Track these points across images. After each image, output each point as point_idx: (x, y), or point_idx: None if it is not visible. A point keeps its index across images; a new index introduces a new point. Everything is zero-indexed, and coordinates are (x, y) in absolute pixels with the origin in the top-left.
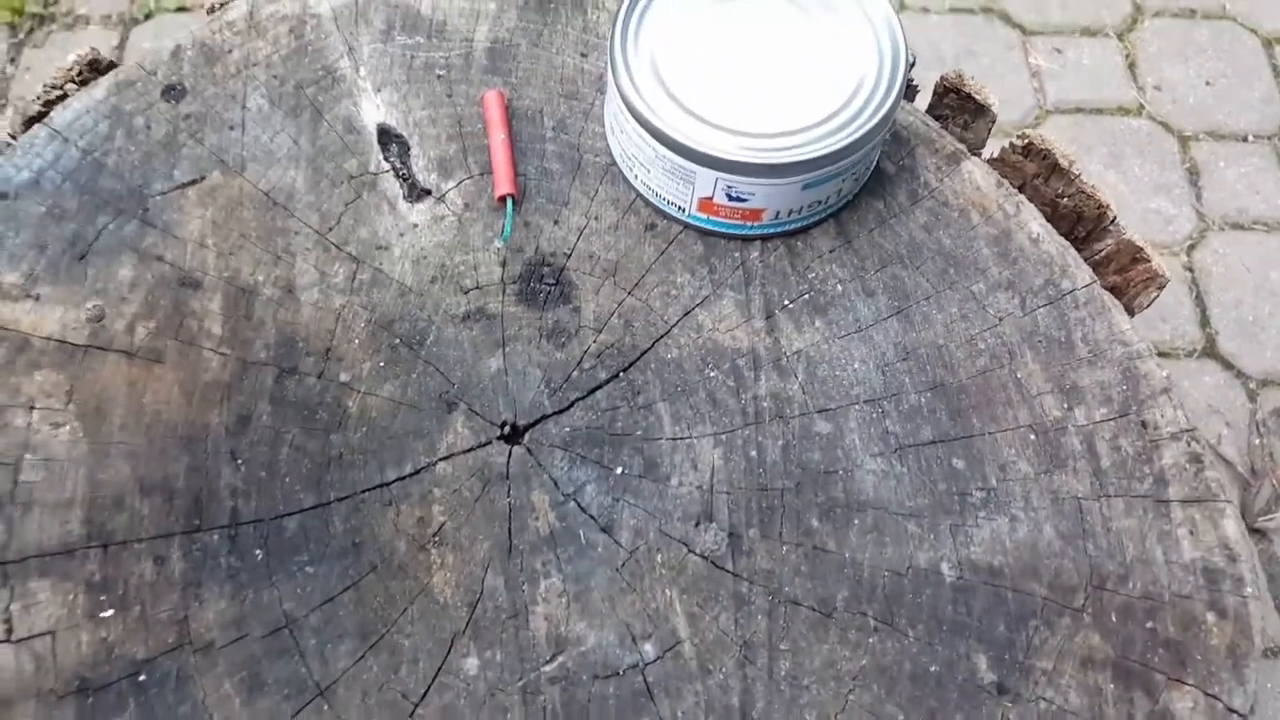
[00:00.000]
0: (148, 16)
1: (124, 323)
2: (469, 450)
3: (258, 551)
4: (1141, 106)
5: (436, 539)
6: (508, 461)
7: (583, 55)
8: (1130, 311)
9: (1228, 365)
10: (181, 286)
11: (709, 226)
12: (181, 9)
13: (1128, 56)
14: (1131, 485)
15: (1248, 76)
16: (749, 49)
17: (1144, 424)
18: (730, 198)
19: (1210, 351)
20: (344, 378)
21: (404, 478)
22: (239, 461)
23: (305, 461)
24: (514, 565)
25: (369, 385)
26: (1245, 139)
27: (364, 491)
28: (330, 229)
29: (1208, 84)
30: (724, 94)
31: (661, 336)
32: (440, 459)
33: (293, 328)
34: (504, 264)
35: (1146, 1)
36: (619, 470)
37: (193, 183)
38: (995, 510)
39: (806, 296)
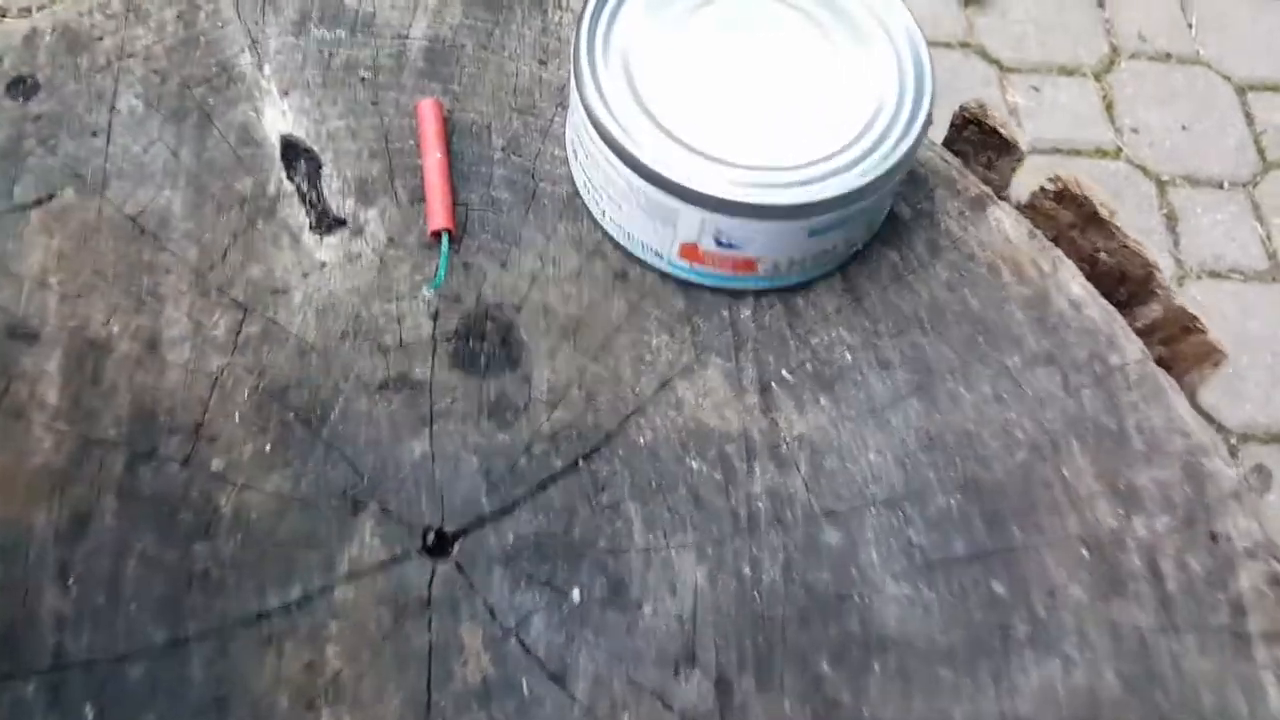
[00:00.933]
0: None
1: None
2: (379, 567)
3: (88, 709)
4: (1119, 149)
5: (330, 693)
6: (430, 583)
7: (541, 62)
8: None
9: (1208, 419)
10: (11, 339)
11: (692, 277)
12: None
13: (1105, 97)
14: (1204, 616)
15: (1222, 123)
16: (744, 64)
17: (1214, 536)
18: (720, 244)
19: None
20: (217, 465)
21: (289, 605)
22: (70, 580)
23: (159, 581)
24: None
25: (250, 476)
26: (1221, 185)
27: (235, 624)
28: (211, 267)
29: (1184, 128)
30: (714, 117)
31: (632, 414)
32: (340, 580)
33: (154, 396)
34: (435, 317)
35: (1123, 43)
36: (576, 595)
37: (38, 203)
38: (1045, 649)
39: (809, 367)
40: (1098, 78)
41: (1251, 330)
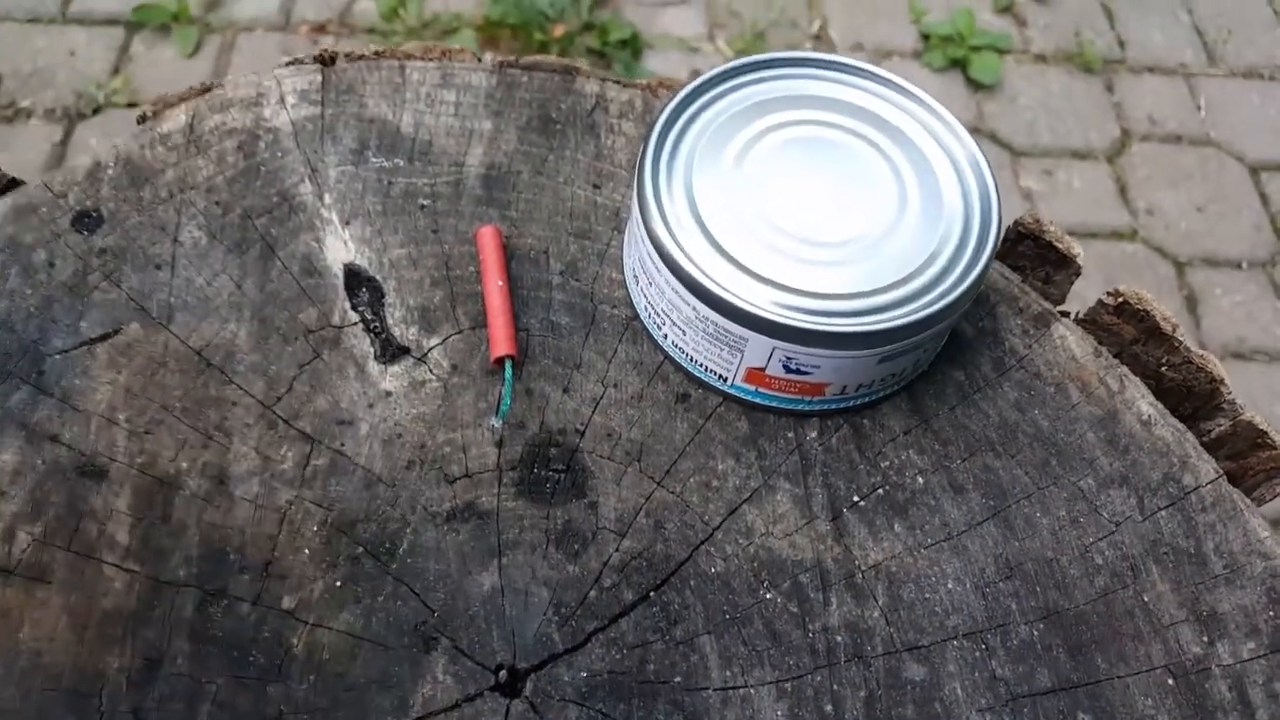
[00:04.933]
0: (95, 111)
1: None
2: (453, 707)
3: None
4: (1135, 231)
5: None
6: None
7: (595, 187)
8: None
9: None
10: (81, 477)
11: (757, 400)
12: (133, 104)
13: (1118, 180)
14: None
15: (1236, 203)
16: (808, 190)
17: None
18: (788, 370)
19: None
20: (288, 604)
21: None
22: None
23: None
24: None
25: (320, 614)
26: (1240, 266)
27: None
28: (279, 399)
29: (1199, 210)
30: (780, 245)
31: (702, 543)
32: None
33: (223, 534)
34: (500, 444)
35: (1134, 126)
36: None
37: (104, 337)
38: None
39: (881, 491)
40: (1110, 160)
41: (1277, 414)
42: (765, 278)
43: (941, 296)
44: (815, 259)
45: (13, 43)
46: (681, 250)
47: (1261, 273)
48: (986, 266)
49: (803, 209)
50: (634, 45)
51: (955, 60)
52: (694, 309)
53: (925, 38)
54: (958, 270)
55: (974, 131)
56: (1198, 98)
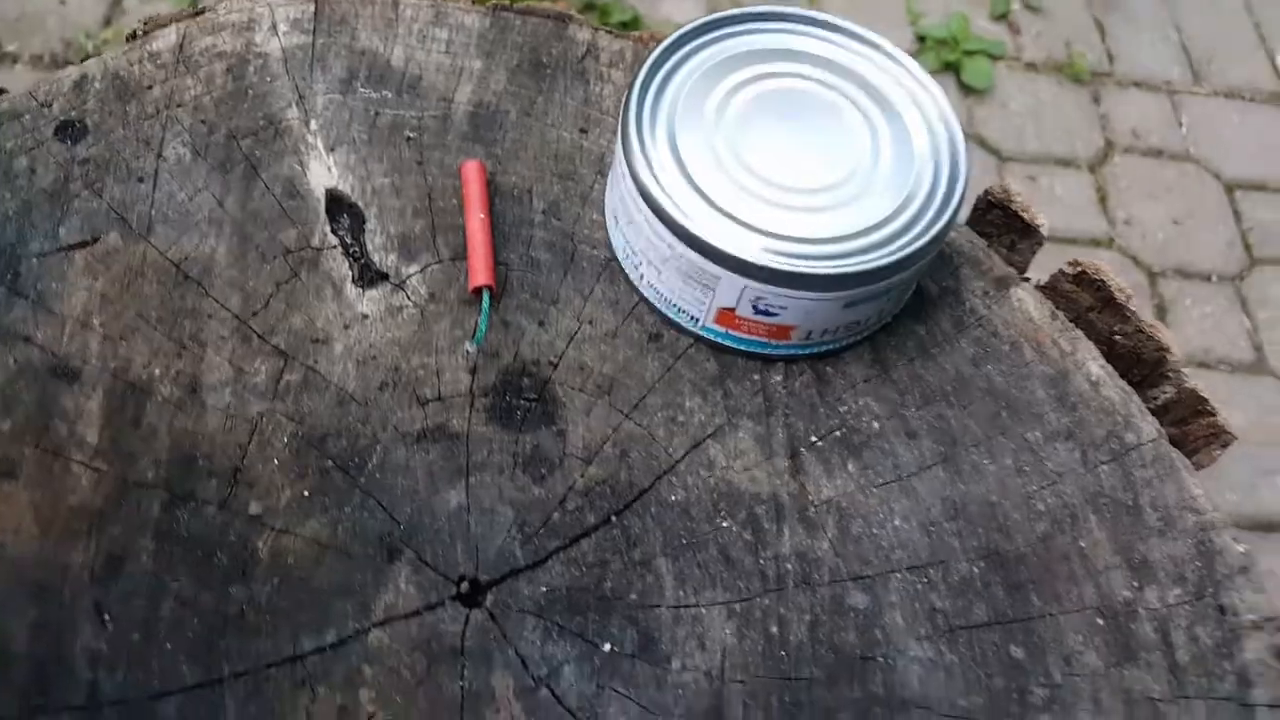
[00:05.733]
0: (83, 60)
1: None
2: (414, 614)
3: None
4: (1112, 239)
5: None
6: (463, 631)
7: (582, 131)
8: None
9: None
10: (52, 377)
11: (725, 342)
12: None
13: (1099, 190)
14: (1211, 685)
15: (1211, 218)
16: (786, 141)
17: (1222, 609)
18: (757, 310)
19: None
20: (254, 509)
21: (324, 649)
22: (105, 618)
23: (194, 622)
24: None
25: (287, 521)
26: (1210, 279)
27: (269, 666)
28: (254, 314)
29: (1175, 222)
30: (756, 190)
31: (665, 473)
32: (375, 625)
33: (192, 440)
34: (474, 372)
35: (1117, 139)
36: (607, 647)
37: (82, 244)
38: (1061, 714)
39: (838, 434)
40: (1092, 170)
41: (1236, 421)
42: (740, 219)
43: (907, 245)
44: (789, 204)
45: None
46: (661, 189)
47: (1230, 286)
48: (952, 219)
49: (779, 157)
50: (634, 28)
51: (948, 63)
52: (670, 246)
53: (921, 39)
54: (924, 221)
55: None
56: (1180, 114)
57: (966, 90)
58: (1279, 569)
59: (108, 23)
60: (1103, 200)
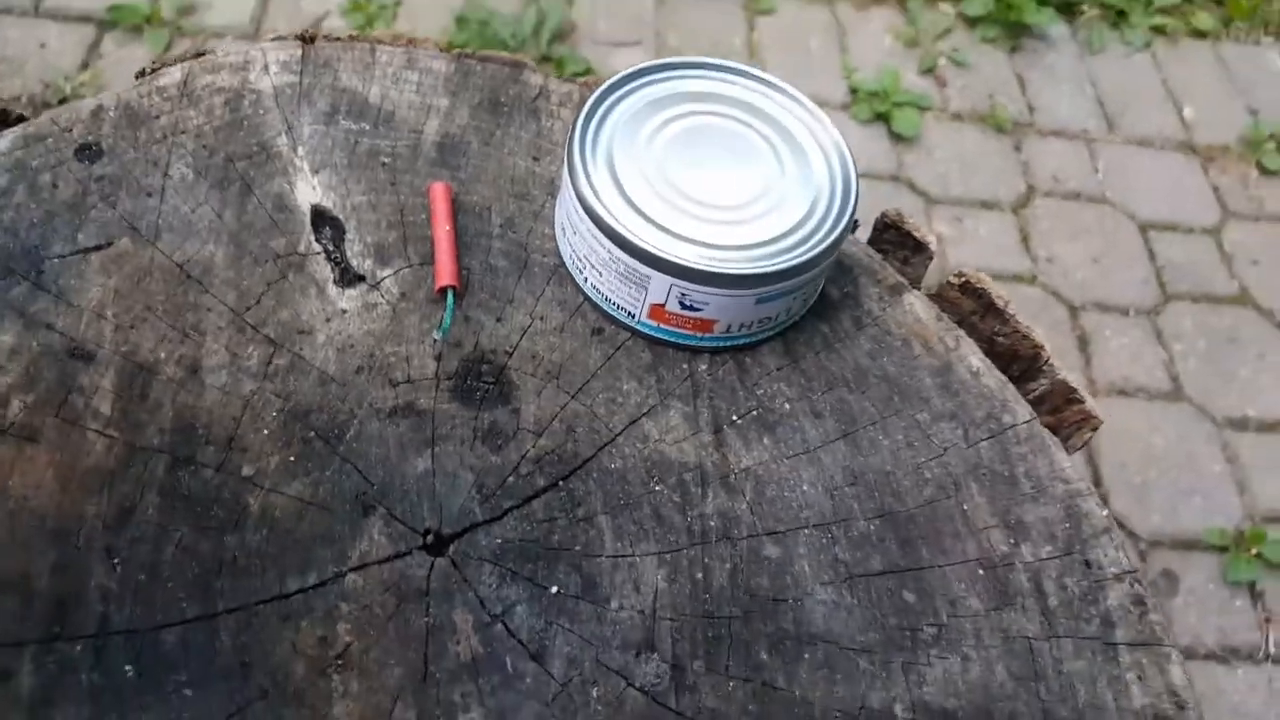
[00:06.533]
0: (61, 101)
1: None
2: (385, 560)
3: (128, 668)
4: (1035, 276)
5: (340, 662)
6: (429, 575)
7: (534, 159)
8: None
9: (1119, 525)
10: (70, 358)
11: (658, 335)
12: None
13: (1021, 230)
14: (1079, 626)
15: (1127, 257)
16: (707, 165)
17: (1088, 563)
18: (683, 306)
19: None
20: (247, 471)
21: (307, 589)
22: (115, 561)
23: (193, 565)
24: (429, 696)
25: (275, 481)
26: (1127, 313)
27: (259, 603)
28: (248, 308)
29: (1094, 260)
30: (681, 206)
31: (605, 445)
32: (351, 569)
33: (193, 412)
34: (439, 358)
35: (1038, 183)
36: (554, 589)
37: (98, 248)
38: (947, 648)
39: (755, 413)
40: (1015, 212)
41: (1157, 445)
42: (668, 229)
43: (808, 250)
44: (709, 218)
45: None
46: (601, 203)
47: (1147, 320)
48: (845, 230)
49: (700, 180)
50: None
51: (880, 114)
52: (609, 252)
53: (854, 91)
54: (822, 231)
55: (893, 179)
56: (1097, 161)
57: (897, 138)
58: (1199, 586)
59: (85, 66)
60: (1025, 240)
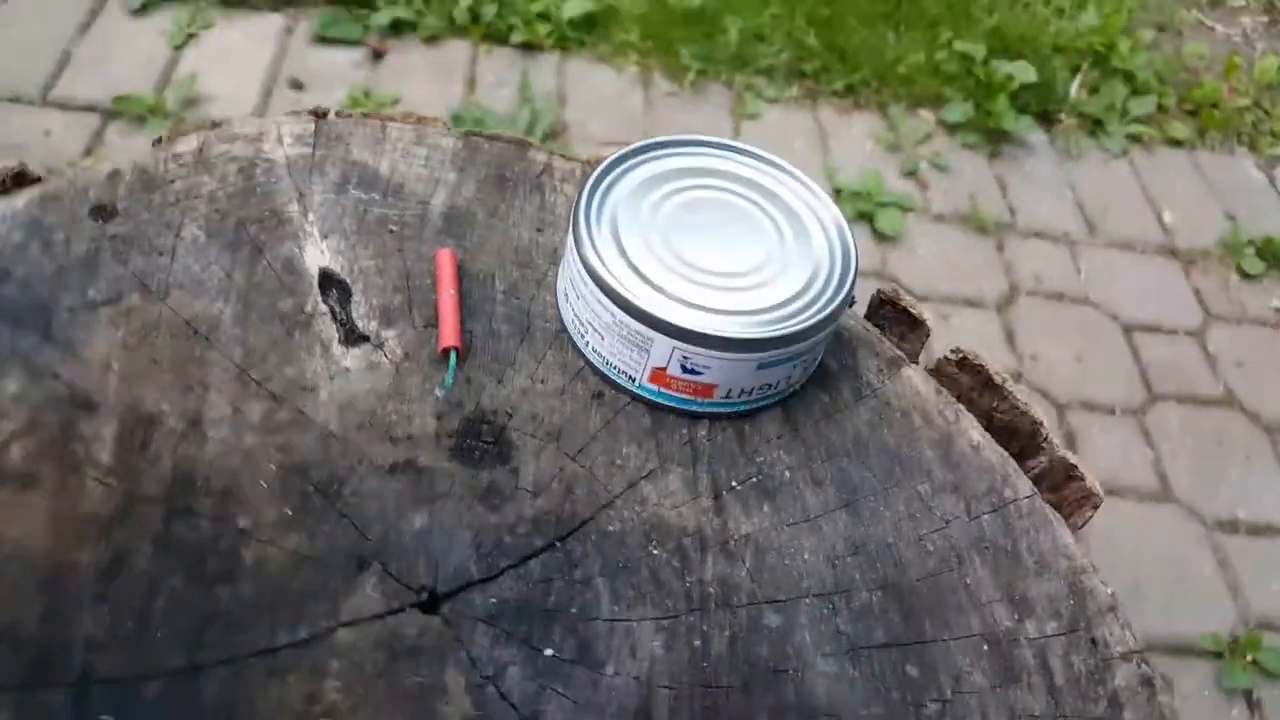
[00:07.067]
0: None
1: None
2: (377, 617)
3: (106, 718)
4: (1020, 373)
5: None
6: (421, 634)
7: (538, 230)
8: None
9: None
10: (74, 407)
11: (658, 399)
12: None
13: (1006, 329)
14: (1087, 707)
15: (1111, 357)
16: (708, 236)
17: (1094, 641)
18: (685, 369)
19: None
20: (243, 523)
21: (297, 644)
22: (105, 609)
23: (183, 615)
24: None
25: (271, 535)
26: (1113, 412)
27: (247, 656)
28: (253, 365)
29: (1077, 359)
30: (684, 272)
31: (604, 507)
32: (342, 624)
33: (193, 464)
34: (440, 417)
35: (1021, 282)
36: (548, 652)
37: (108, 302)
38: None
39: (755, 480)
40: (999, 310)
41: (1146, 546)
42: (670, 293)
43: (808, 318)
44: (711, 284)
45: None
46: (605, 267)
47: (1133, 419)
48: (845, 300)
49: (702, 250)
50: None
51: (863, 213)
52: (612, 315)
53: (838, 191)
54: (822, 300)
55: (878, 276)
56: (1079, 262)
57: (881, 237)
58: (1194, 693)
59: (89, 152)
60: (1010, 338)
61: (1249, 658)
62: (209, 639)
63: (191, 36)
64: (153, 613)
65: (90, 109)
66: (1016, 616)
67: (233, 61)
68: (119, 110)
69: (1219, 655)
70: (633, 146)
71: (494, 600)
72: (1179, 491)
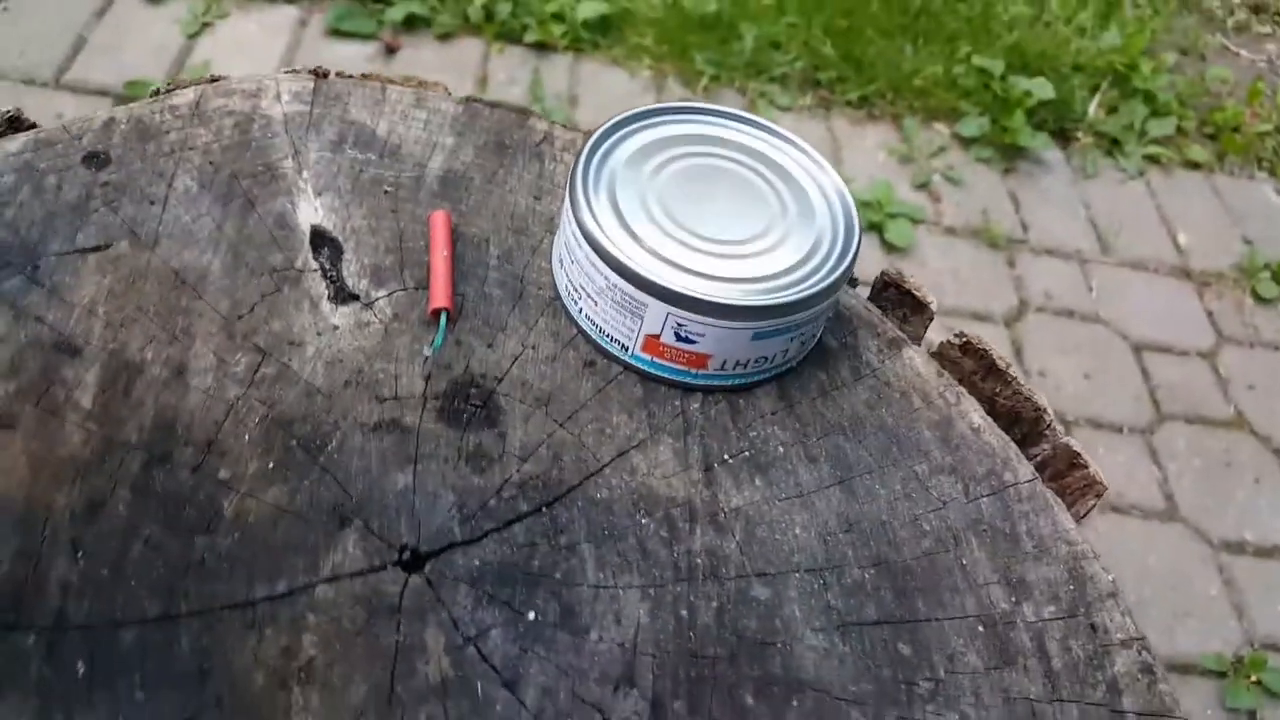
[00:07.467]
0: None
1: None
2: (357, 574)
3: (80, 664)
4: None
5: (302, 675)
6: (402, 592)
7: (535, 198)
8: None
9: None
10: (56, 351)
11: (651, 370)
12: None
13: (1014, 344)
14: (1085, 691)
15: (1120, 375)
16: (707, 203)
17: (1094, 627)
18: (679, 337)
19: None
20: (224, 475)
21: (274, 597)
22: (79, 554)
23: (160, 564)
24: (394, 717)
25: (252, 486)
26: (1121, 430)
27: (224, 608)
28: (239, 317)
29: (1086, 377)
30: (682, 238)
31: (592, 474)
32: (322, 580)
33: (175, 412)
34: (428, 378)
35: (1031, 298)
36: (531, 615)
37: (96, 249)
38: (945, 705)
39: (747, 454)
40: (1008, 325)
41: (1151, 565)
42: (667, 258)
43: (808, 288)
44: (709, 251)
45: (3, 101)
46: (600, 230)
47: (1140, 438)
48: (846, 271)
49: (701, 217)
50: None
51: (873, 224)
52: (606, 279)
53: None
54: (823, 271)
55: None
56: (1090, 280)
57: (890, 248)
58: (1197, 712)
59: None
60: (1018, 353)
61: (1253, 678)
62: (186, 589)
63: (206, 25)
64: (128, 560)
65: (103, 93)
66: (1014, 599)
67: (246, 52)
68: (131, 94)
69: (1223, 675)
70: (634, 111)
71: (476, 562)
72: (1185, 511)
